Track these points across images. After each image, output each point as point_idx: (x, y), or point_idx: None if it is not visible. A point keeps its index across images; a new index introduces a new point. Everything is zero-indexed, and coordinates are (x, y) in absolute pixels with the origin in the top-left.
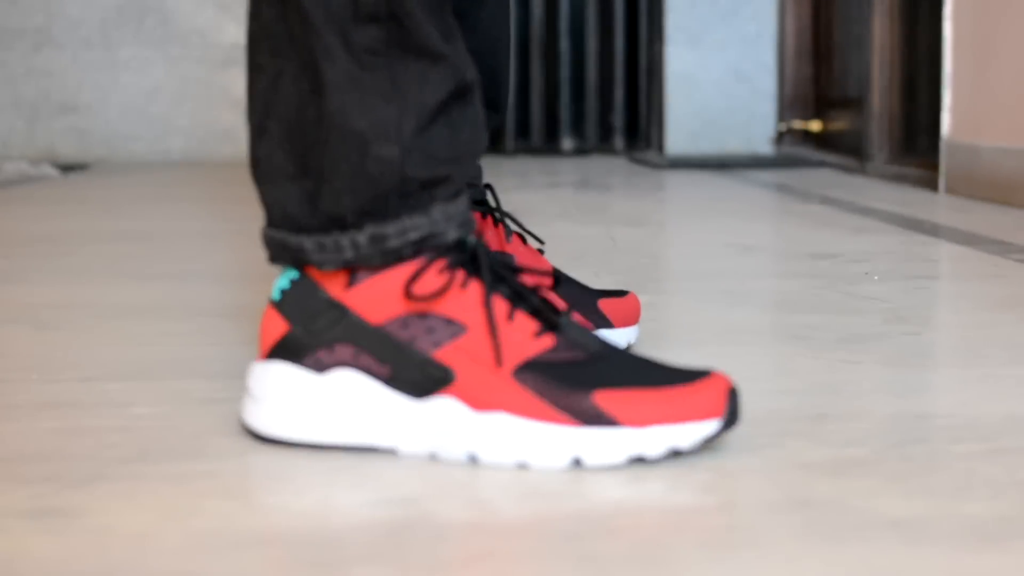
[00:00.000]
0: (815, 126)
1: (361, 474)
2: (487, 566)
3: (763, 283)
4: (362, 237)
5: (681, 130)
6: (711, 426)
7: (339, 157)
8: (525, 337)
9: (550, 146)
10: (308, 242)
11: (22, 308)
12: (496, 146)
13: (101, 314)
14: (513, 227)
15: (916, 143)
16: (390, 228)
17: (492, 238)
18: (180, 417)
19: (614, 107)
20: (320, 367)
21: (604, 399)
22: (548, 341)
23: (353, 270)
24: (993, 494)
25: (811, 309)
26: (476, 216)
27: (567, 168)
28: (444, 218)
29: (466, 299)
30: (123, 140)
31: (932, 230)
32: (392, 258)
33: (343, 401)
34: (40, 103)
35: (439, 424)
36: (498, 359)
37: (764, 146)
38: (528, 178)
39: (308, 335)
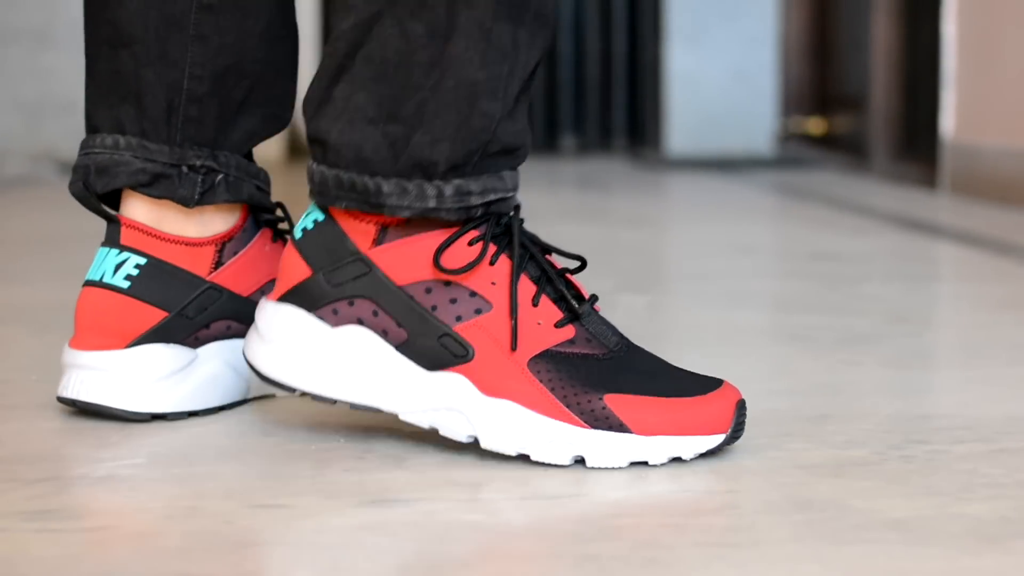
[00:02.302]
0: (816, 126)
1: (361, 475)
2: (487, 566)
3: (763, 283)
4: (448, 188)
5: (682, 130)
6: (715, 440)
7: (447, 105)
8: (546, 325)
9: (551, 145)
10: (388, 185)
11: (22, 308)
12: None
13: None
14: None
15: (916, 143)
16: (474, 185)
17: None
18: (180, 416)
19: (615, 107)
20: (334, 320)
21: (615, 403)
22: (568, 332)
23: (383, 228)
24: (994, 495)
25: (811, 309)
26: (267, 239)
27: (568, 167)
28: (513, 186)
29: (494, 275)
30: None
31: (932, 230)
32: (465, 215)
33: (352, 358)
34: (40, 103)
35: (445, 400)
36: (513, 344)
37: (765, 146)
38: (528, 177)
39: (329, 284)
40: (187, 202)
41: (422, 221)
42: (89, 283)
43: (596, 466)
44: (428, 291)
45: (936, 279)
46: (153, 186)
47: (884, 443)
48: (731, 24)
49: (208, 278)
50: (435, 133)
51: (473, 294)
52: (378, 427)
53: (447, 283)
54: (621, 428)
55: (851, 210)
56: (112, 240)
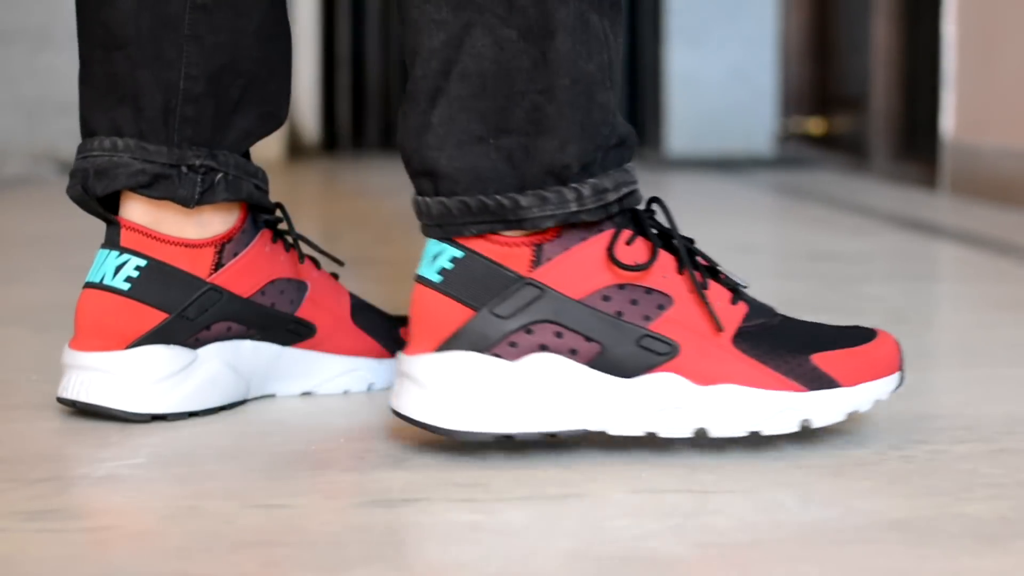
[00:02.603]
0: (816, 126)
1: (361, 475)
2: (488, 566)
3: (763, 283)
4: (586, 189)
5: (682, 130)
6: (896, 378)
7: (567, 103)
8: (725, 305)
9: None
10: (524, 199)
11: (22, 308)
12: None
13: None
14: (307, 250)
15: (916, 143)
16: (608, 181)
17: (285, 264)
18: (180, 417)
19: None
20: (513, 354)
21: (822, 361)
22: (742, 307)
23: (537, 247)
24: (994, 495)
25: (811, 309)
26: (266, 240)
27: None
28: (636, 176)
29: (663, 269)
30: None
31: (932, 230)
32: (604, 213)
33: (543, 387)
34: (40, 103)
35: (658, 401)
36: (718, 326)
37: (765, 146)
38: None
39: (499, 318)
40: (187, 202)
41: (569, 231)
42: (89, 285)
43: (821, 426)
44: (606, 299)
45: (936, 279)
46: (153, 187)
47: (884, 443)
48: (731, 24)
49: (208, 279)
50: (561, 135)
51: (649, 291)
52: (378, 427)
53: (621, 286)
54: (832, 384)
55: (851, 210)
56: (112, 242)
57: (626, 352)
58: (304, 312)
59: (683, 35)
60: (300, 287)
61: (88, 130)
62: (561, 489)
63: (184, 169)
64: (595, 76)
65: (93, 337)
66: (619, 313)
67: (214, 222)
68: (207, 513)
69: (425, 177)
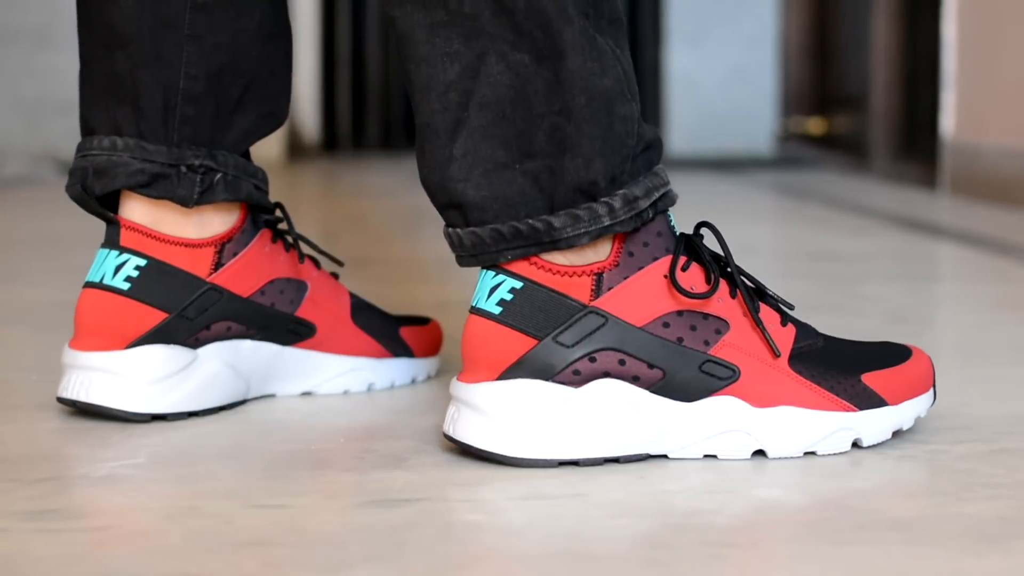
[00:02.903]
0: (816, 126)
1: (361, 475)
2: (487, 566)
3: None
4: (616, 201)
5: (682, 130)
6: (930, 395)
7: (587, 120)
8: (776, 328)
9: None
10: (556, 220)
11: (22, 308)
12: None
13: None
14: (306, 250)
15: (916, 143)
16: (637, 189)
17: (285, 263)
18: (180, 417)
19: None
20: (577, 381)
21: (871, 380)
22: (791, 329)
23: (598, 276)
24: (994, 495)
25: (811, 309)
26: (266, 240)
27: None
28: (667, 176)
29: (718, 293)
30: None
31: (932, 230)
32: (639, 221)
33: (606, 413)
34: (40, 103)
35: (719, 425)
36: (775, 351)
37: (765, 146)
38: None
39: (563, 347)
40: (186, 202)
41: (628, 259)
42: (89, 284)
43: (870, 444)
44: (666, 325)
45: (936, 279)
46: (152, 186)
47: (884, 443)
48: (731, 24)
49: (208, 279)
50: (585, 153)
51: (706, 316)
52: (378, 427)
53: (680, 313)
54: (881, 403)
55: (851, 210)
56: (112, 242)
57: (688, 377)
58: (304, 312)
59: (683, 35)
60: (300, 287)
61: (88, 129)
62: (561, 489)
63: (183, 169)
64: (612, 90)
65: (93, 337)
66: (680, 339)
67: (214, 222)
68: (207, 513)
69: (453, 209)
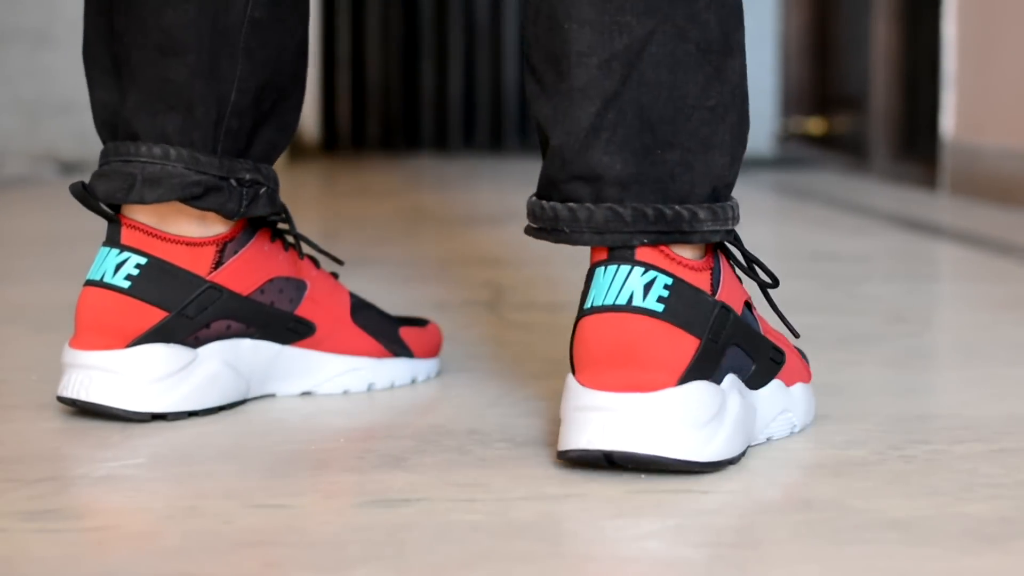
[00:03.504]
0: (816, 126)
1: (361, 475)
2: (487, 566)
3: None
4: (734, 204)
5: None
6: None
7: (736, 122)
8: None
9: None
10: (702, 211)
11: (22, 308)
12: (496, 145)
13: None
14: (306, 249)
15: (916, 143)
16: (734, 197)
17: (284, 262)
18: (180, 416)
19: None
20: (719, 377)
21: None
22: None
23: (715, 269)
24: (994, 495)
25: (811, 309)
26: (265, 239)
27: None
28: None
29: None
30: None
31: (932, 230)
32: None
33: (744, 411)
34: (40, 103)
35: (776, 407)
36: (796, 333)
37: (765, 146)
38: (529, 177)
39: (715, 345)
40: (232, 215)
41: (694, 250)
42: (90, 283)
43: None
44: (745, 316)
45: (936, 279)
46: (203, 199)
47: (884, 443)
48: None
49: (208, 277)
50: (731, 152)
51: (748, 304)
52: (378, 427)
53: (747, 302)
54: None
55: (851, 210)
56: (113, 240)
57: (763, 367)
58: (303, 311)
59: None
60: (299, 286)
61: (129, 133)
62: (561, 489)
63: (233, 182)
64: (747, 95)
65: (93, 335)
66: (754, 326)
67: (217, 222)
68: (207, 513)
69: (585, 181)
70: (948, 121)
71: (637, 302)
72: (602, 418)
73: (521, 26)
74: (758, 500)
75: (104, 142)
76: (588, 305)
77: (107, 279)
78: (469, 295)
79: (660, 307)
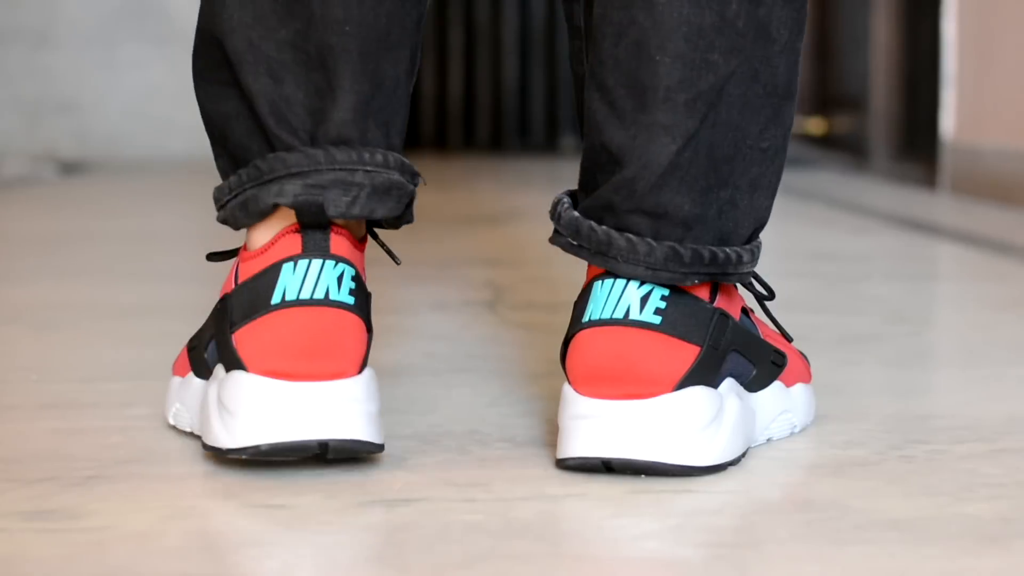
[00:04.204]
0: (816, 126)
1: (361, 475)
2: (487, 566)
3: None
4: (759, 243)
5: None
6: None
7: (780, 165)
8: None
9: (551, 145)
10: (745, 253)
11: (22, 308)
12: (496, 145)
13: (101, 314)
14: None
15: (916, 143)
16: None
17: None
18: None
19: None
20: (717, 382)
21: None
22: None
23: (714, 284)
24: (994, 495)
25: (811, 309)
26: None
27: (568, 167)
28: None
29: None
30: (123, 140)
31: (932, 230)
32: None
33: (743, 414)
34: (40, 103)
35: (777, 408)
36: (789, 338)
37: None
38: (529, 178)
39: (715, 352)
40: (397, 224)
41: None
42: (314, 303)
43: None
44: (743, 321)
45: (936, 279)
46: (407, 209)
47: (884, 443)
48: None
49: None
50: (773, 193)
51: (745, 310)
52: None
53: (744, 308)
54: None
55: (851, 210)
56: (320, 249)
57: (765, 371)
58: None
59: None
60: None
61: (341, 137)
62: (561, 489)
63: (411, 188)
64: (789, 139)
65: (327, 361)
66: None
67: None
68: (207, 513)
69: (649, 217)
70: (948, 121)
71: (634, 315)
72: (599, 425)
73: (588, 39)
74: (758, 500)
75: (273, 145)
76: (586, 319)
77: (332, 296)
78: (469, 295)
79: (657, 319)
